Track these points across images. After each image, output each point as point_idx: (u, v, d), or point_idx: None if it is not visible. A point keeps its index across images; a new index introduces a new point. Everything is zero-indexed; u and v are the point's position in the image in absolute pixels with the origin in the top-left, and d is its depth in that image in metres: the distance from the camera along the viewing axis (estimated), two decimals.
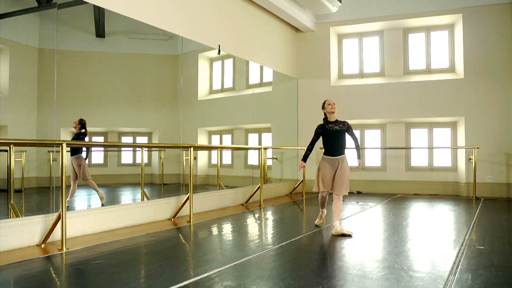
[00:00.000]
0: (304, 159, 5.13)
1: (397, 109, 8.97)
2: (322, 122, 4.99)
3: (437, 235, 4.69)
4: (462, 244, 4.08)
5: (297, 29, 9.51)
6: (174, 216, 5.67)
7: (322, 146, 5.06)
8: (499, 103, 8.27)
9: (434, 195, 8.75)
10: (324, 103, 4.93)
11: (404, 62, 9.27)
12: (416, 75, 9.12)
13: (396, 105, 8.98)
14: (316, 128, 4.97)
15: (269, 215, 6.19)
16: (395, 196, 8.46)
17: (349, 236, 4.45)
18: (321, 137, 4.96)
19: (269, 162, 9.43)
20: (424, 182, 8.97)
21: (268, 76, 9.57)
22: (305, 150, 5.13)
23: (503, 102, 8.24)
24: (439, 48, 9.14)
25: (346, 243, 4.16)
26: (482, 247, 3.96)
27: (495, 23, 8.35)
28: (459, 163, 8.80)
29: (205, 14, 6.54)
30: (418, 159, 9.23)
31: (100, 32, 8.24)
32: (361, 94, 9.25)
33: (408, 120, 9.11)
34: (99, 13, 7.92)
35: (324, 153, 4.91)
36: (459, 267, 3.25)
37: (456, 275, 3.05)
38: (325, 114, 4.98)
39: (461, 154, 8.67)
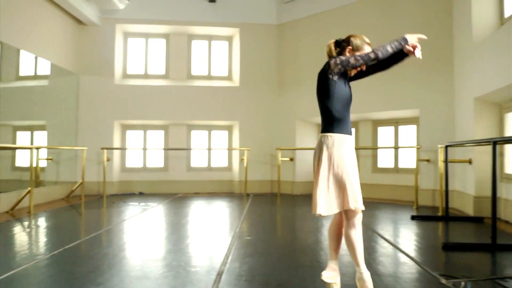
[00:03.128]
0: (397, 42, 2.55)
1: (180, 112, 9.33)
2: None
3: (214, 230, 5.08)
4: (233, 236, 4.54)
5: (79, 21, 8.88)
6: None
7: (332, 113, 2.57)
8: (266, 110, 9.51)
9: (212, 193, 9.44)
10: (365, 42, 2.67)
11: (188, 67, 9.71)
12: (198, 80, 9.68)
13: (179, 108, 9.33)
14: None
15: (41, 222, 5.60)
16: (177, 196, 8.77)
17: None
18: (335, 91, 2.56)
19: (44, 164, 8.52)
20: (203, 181, 9.58)
21: (44, 69, 8.64)
22: (384, 51, 2.48)
23: (269, 110, 9.51)
24: (220, 57, 9.92)
25: (126, 245, 4.11)
26: (249, 238, 4.49)
27: (265, 40, 9.58)
28: (233, 163, 9.73)
29: None
30: (198, 159, 9.81)
31: None
32: (145, 95, 9.27)
33: (189, 122, 9.58)
34: None
35: (342, 130, 2.57)
36: (230, 258, 3.61)
37: (227, 265, 3.38)
38: (348, 63, 2.53)
39: (236, 155, 9.61)
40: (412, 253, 3.79)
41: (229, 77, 9.83)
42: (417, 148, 7.02)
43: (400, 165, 8.17)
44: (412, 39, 2.57)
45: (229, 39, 9.88)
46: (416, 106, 7.37)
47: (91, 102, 9.02)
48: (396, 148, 8.07)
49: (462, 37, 6.47)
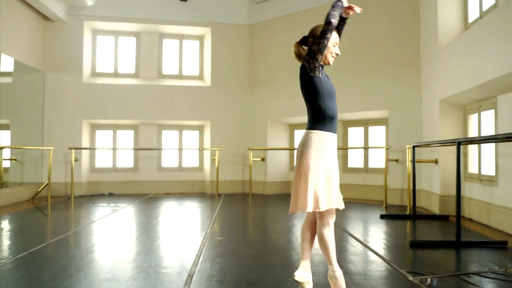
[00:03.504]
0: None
1: (150, 111, 9.21)
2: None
3: (185, 230, 5.03)
4: (204, 237, 4.51)
5: (46, 17, 8.62)
6: None
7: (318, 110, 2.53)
8: (237, 110, 9.50)
9: (183, 193, 9.36)
10: (317, 33, 2.56)
11: (159, 66, 9.59)
12: (169, 80, 9.58)
13: (149, 107, 9.20)
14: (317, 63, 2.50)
15: (5, 224, 5.41)
16: (147, 196, 8.65)
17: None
18: (315, 87, 2.51)
19: (7, 164, 8.24)
20: (174, 182, 9.49)
21: (7, 66, 8.35)
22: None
23: (240, 110, 9.51)
24: (191, 56, 9.84)
25: (95, 247, 4.02)
26: (221, 238, 4.48)
27: (237, 40, 9.58)
28: (205, 163, 9.68)
29: None
30: (169, 160, 9.70)
31: None
32: (115, 94, 9.10)
33: (160, 122, 9.46)
34: None
35: (326, 127, 2.52)
36: (201, 258, 3.59)
37: (198, 265, 3.36)
38: (315, 52, 2.48)
39: (207, 155, 9.56)
40: (381, 251, 3.87)
41: (200, 77, 9.77)
42: (386, 149, 7.17)
43: (370, 165, 8.32)
44: (345, 2, 2.51)
45: (201, 38, 9.82)
46: (385, 107, 7.53)
47: (58, 101, 8.78)
48: (366, 148, 8.22)
49: (429, 41, 6.65)
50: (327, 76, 2.61)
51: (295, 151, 2.64)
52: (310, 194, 2.44)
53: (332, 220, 2.53)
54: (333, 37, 2.60)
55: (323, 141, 2.50)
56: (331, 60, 2.62)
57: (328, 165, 2.50)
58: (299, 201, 2.48)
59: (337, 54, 2.62)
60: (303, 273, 2.62)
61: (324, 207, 2.44)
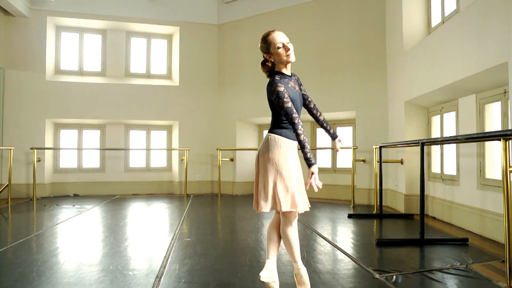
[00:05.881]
0: (311, 158, 2.36)
1: (117, 110, 9.02)
2: (276, 77, 2.58)
3: (152, 232, 4.96)
4: (172, 238, 4.46)
5: (6, 12, 8.29)
6: None
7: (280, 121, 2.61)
8: (206, 110, 9.44)
9: (151, 194, 9.22)
10: (268, 39, 2.67)
11: (126, 64, 9.41)
12: (137, 79, 9.41)
13: (116, 106, 9.01)
14: (281, 87, 2.48)
15: None
16: (114, 197, 8.47)
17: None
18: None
19: None
20: (142, 182, 9.34)
21: None
22: (301, 136, 2.41)
23: (209, 109, 9.45)
24: (159, 55, 9.70)
25: (59, 251, 3.90)
26: (189, 239, 4.44)
27: (206, 40, 9.52)
28: (173, 164, 9.56)
29: None
30: (137, 160, 9.53)
31: None
32: (80, 92, 8.86)
33: (127, 121, 9.28)
34: None
35: (283, 134, 2.58)
36: (169, 259, 3.54)
37: (166, 267, 3.32)
38: (272, 62, 2.69)
39: (175, 155, 9.45)
40: (349, 250, 3.93)
41: (168, 76, 9.65)
42: (354, 149, 7.29)
43: (338, 165, 8.44)
44: (314, 176, 2.34)
45: (169, 37, 9.70)
46: (353, 108, 7.65)
47: (19, 99, 8.47)
48: (334, 148, 8.33)
49: (394, 44, 6.81)
50: (293, 89, 2.61)
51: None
52: (286, 194, 2.51)
53: (295, 219, 2.61)
54: (277, 38, 2.61)
55: (283, 145, 2.57)
56: (288, 59, 2.61)
57: (292, 168, 2.58)
58: (272, 200, 2.53)
59: (288, 49, 2.59)
60: (268, 273, 2.63)
61: (300, 209, 2.52)
